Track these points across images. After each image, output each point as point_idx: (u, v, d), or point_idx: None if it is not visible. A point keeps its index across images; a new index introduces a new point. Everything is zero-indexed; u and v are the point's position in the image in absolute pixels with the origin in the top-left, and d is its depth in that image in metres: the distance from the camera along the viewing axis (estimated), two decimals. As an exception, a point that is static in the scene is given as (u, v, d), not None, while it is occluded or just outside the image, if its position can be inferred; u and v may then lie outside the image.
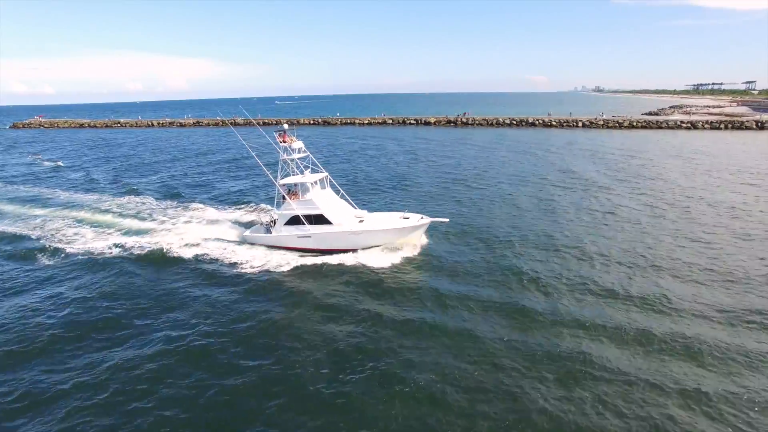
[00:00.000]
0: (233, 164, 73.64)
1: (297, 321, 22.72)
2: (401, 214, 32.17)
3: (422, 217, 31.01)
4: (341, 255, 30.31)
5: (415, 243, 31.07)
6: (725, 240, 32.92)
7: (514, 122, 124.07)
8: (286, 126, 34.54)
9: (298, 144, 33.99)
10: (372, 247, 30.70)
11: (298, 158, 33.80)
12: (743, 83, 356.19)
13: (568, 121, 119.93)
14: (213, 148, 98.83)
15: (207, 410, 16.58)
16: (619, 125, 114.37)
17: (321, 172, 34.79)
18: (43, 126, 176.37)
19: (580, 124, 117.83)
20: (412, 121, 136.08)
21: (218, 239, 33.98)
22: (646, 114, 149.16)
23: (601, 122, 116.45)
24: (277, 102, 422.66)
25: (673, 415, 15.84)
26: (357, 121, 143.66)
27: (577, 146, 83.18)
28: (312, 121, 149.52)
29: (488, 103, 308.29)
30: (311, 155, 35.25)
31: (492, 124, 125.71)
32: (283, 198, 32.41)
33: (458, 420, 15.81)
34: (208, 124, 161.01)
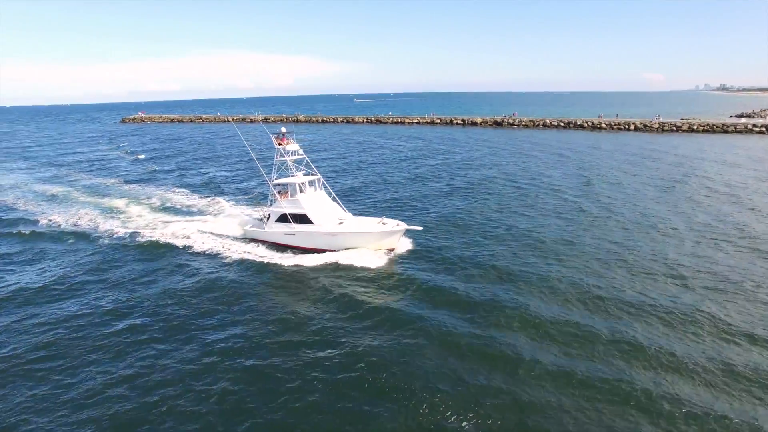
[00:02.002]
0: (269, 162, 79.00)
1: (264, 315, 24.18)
2: (380, 219, 33.01)
3: (398, 224, 31.88)
4: (320, 255, 31.65)
5: (392, 247, 31.99)
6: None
7: (562, 124, 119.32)
8: (283, 129, 36.43)
9: (293, 147, 35.47)
10: (349, 248, 31.75)
11: (293, 160, 35.42)
12: None
13: (618, 124, 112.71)
14: (257, 146, 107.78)
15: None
16: (677, 128, 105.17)
17: (314, 174, 36.21)
18: (143, 121, 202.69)
19: (632, 127, 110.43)
20: (459, 122, 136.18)
21: (220, 235, 36.76)
22: (737, 116, 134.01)
23: (656, 125, 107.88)
24: (355, 100, 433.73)
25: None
26: (407, 120, 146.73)
27: (628, 150, 78.88)
28: (365, 120, 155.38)
29: (589, 103, 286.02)
30: (306, 158, 36.68)
31: (538, 126, 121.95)
32: (276, 197, 34.79)
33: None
34: (274, 121, 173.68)
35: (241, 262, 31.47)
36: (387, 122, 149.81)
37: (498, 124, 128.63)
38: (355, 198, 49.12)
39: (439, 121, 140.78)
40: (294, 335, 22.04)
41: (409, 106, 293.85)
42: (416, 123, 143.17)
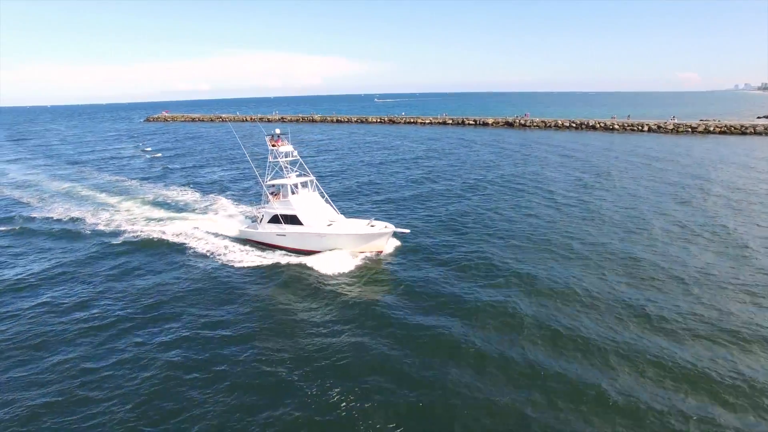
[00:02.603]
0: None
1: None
2: (369, 221, 32.77)
3: (386, 226, 31.69)
4: (305, 257, 31.93)
5: (379, 249, 31.98)
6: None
7: (574, 125, 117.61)
8: (277, 131, 36.64)
9: (286, 148, 35.64)
10: (337, 250, 31.73)
11: (286, 161, 35.61)
12: None
13: (632, 125, 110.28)
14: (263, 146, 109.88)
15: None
16: (692, 130, 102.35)
17: (307, 175, 36.42)
18: (167, 120, 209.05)
19: (645, 128, 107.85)
20: (471, 122, 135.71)
21: (217, 234, 37.56)
22: (763, 117, 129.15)
23: (671, 126, 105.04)
24: (376, 99, 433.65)
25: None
26: (419, 120, 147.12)
27: (641, 152, 77.05)
28: (379, 120, 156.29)
29: (618, 103, 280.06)
30: (300, 159, 36.86)
31: (550, 127, 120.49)
32: (268, 198, 35.43)
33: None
34: (291, 120, 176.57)
35: (228, 263, 31.74)
36: (400, 122, 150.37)
37: (509, 124, 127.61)
38: (354, 198, 49.80)
39: (451, 121, 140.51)
40: (267, 335, 22.39)
41: (430, 105, 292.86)
42: (428, 123, 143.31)
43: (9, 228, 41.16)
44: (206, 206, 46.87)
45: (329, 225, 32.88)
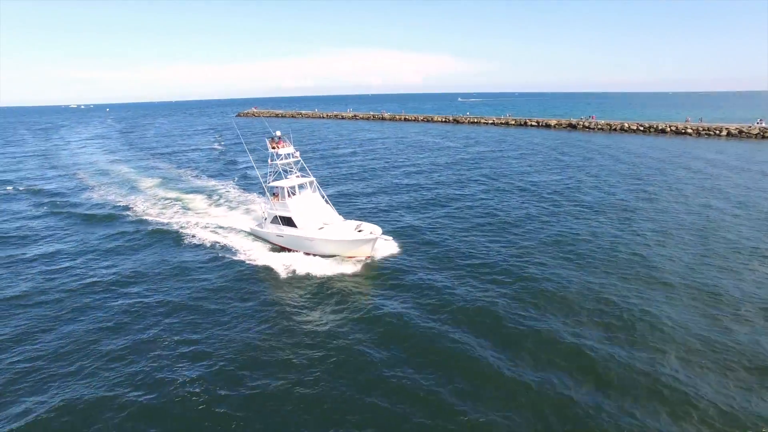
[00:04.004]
0: (329, 159, 79.45)
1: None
2: (357, 224, 32.83)
3: (371, 232, 31.27)
4: (296, 261, 31.86)
5: (367, 255, 31.52)
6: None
7: (641, 128, 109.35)
8: (278, 133, 37.29)
9: (286, 150, 36.34)
10: (327, 254, 32.04)
11: (286, 162, 36.68)
12: None
13: (707, 129, 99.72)
14: (333, 140, 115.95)
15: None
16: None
17: (308, 176, 37.18)
18: (255, 115, 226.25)
19: (724, 133, 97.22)
20: (534, 123, 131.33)
21: (236, 230, 39.06)
22: None
23: (756, 131, 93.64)
24: (459, 99, 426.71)
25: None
26: (482, 120, 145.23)
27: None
28: (443, 119, 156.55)
29: (695, 105, 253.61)
30: (302, 161, 37.72)
31: (615, 129, 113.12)
32: (271, 199, 36.31)
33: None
34: (361, 118, 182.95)
35: (232, 259, 32.86)
36: (464, 122, 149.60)
37: (572, 126, 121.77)
38: (367, 200, 49.68)
39: (513, 122, 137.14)
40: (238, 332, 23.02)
41: (512, 105, 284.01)
42: (491, 124, 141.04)
43: (58, 208, 48.02)
44: (242, 201, 48.51)
45: (320, 229, 32.89)
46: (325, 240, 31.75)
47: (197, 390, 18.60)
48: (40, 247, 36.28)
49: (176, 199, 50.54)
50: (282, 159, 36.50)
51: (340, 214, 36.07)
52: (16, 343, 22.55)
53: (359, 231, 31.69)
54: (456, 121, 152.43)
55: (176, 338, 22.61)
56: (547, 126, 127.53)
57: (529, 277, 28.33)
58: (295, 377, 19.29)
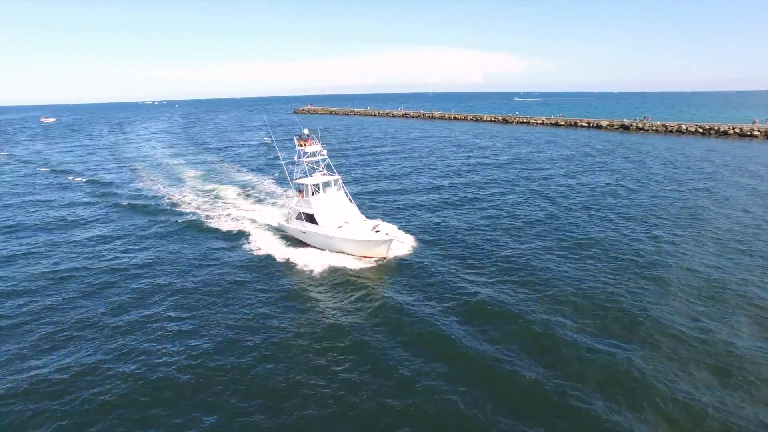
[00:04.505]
0: (365, 157, 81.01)
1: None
2: (375, 224, 32.99)
3: (387, 233, 31.48)
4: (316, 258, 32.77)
5: (381, 256, 31.72)
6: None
7: (701, 130, 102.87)
8: (306, 131, 38.40)
9: (312, 148, 37.21)
10: (343, 253, 32.76)
11: (312, 160, 37.78)
12: None
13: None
14: (377, 137, 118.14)
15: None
16: None
17: (333, 174, 37.92)
18: (309, 112, 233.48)
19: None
20: (584, 124, 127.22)
21: (267, 225, 40.40)
22: None
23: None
24: (516, 98, 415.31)
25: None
26: (531, 120, 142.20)
27: None
28: (493, 119, 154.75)
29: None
30: (329, 159, 38.60)
31: (671, 132, 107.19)
32: (297, 195, 37.45)
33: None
34: (412, 116, 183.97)
35: (254, 252, 34.48)
36: (512, 122, 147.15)
37: (625, 128, 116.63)
38: (393, 198, 50.68)
39: (563, 122, 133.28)
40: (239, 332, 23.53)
41: (572, 105, 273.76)
42: (540, 124, 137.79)
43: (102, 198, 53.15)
44: (276, 196, 50.49)
45: (340, 227, 33.47)
46: (341, 238, 32.30)
47: (192, 364, 20.68)
48: (83, 231, 40.55)
49: (213, 192, 53.61)
50: (308, 157, 37.50)
51: (362, 213, 36.60)
52: (39, 312, 25.99)
53: (376, 231, 31.81)
54: (505, 121, 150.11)
55: (171, 314, 25.27)
56: (598, 127, 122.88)
57: (548, 279, 28.31)
58: (298, 371, 20.10)
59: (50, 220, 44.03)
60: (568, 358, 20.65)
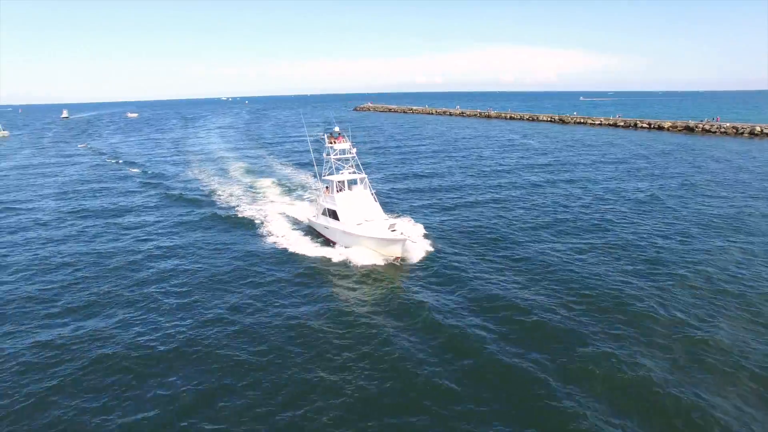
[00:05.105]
0: (408, 155, 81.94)
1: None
2: (391, 223, 33.03)
3: (402, 233, 31.17)
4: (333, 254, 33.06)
5: (397, 255, 31.38)
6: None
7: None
8: (336, 129, 39.32)
9: (341, 146, 37.86)
10: (361, 249, 32.49)
11: (337, 158, 38.23)
12: None
13: None
14: (426, 135, 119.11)
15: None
16: None
17: (360, 173, 38.00)
18: (369, 110, 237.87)
19: None
20: (645, 125, 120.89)
21: (296, 220, 41.67)
22: None
23: None
24: (581, 98, 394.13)
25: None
26: (589, 121, 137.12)
27: None
28: (549, 119, 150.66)
29: None
30: (356, 156, 38.67)
31: (742, 134, 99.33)
32: (323, 191, 38.19)
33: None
34: (469, 115, 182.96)
35: (279, 245, 35.57)
36: (569, 122, 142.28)
37: (690, 129, 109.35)
38: (423, 197, 51.20)
39: (622, 123, 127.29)
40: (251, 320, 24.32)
41: (645, 105, 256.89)
42: (598, 124, 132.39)
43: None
44: (312, 192, 51.04)
45: (359, 224, 33.49)
46: (357, 235, 32.52)
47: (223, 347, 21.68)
48: (129, 218, 44.46)
49: (254, 186, 55.94)
50: (336, 154, 38.06)
51: (387, 212, 36.85)
52: (68, 286, 29.06)
53: (392, 231, 31.54)
54: (561, 121, 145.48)
55: (191, 299, 27.63)
56: (660, 128, 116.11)
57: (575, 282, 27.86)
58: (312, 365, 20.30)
59: (107, 206, 49.64)
60: (600, 368, 19.51)
